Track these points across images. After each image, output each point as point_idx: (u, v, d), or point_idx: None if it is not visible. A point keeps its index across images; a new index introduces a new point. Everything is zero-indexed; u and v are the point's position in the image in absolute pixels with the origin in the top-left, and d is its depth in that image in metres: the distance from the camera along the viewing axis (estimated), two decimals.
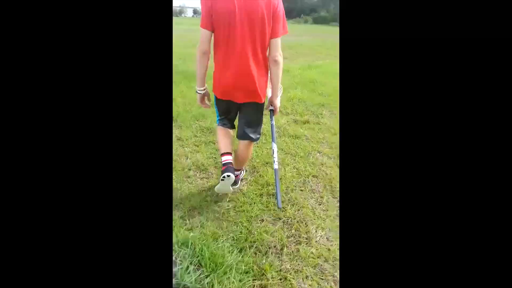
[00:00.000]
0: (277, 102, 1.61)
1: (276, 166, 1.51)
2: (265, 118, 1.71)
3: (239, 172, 1.79)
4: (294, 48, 8.64)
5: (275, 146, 1.57)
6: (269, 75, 1.52)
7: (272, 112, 1.64)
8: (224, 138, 1.61)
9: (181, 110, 2.95)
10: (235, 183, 1.73)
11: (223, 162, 1.52)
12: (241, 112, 1.60)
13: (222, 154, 1.55)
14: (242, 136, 1.61)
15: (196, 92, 1.53)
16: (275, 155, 1.54)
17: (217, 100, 1.56)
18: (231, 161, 1.53)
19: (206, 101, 1.59)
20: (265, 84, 1.51)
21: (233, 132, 1.68)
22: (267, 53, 1.44)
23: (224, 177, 1.44)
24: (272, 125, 1.65)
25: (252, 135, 1.60)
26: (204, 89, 1.53)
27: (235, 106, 1.56)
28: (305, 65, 5.84)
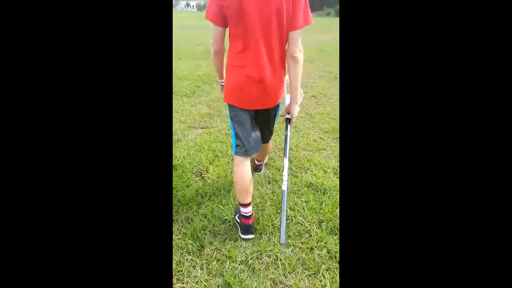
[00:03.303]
0: (295, 111, 1.38)
1: (284, 186, 1.30)
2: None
3: (261, 161, 1.94)
4: (324, 53, 7.69)
5: (286, 162, 1.37)
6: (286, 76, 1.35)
7: (289, 121, 1.42)
8: (243, 179, 1.38)
9: None
10: (259, 170, 1.97)
11: (242, 213, 1.41)
12: (257, 121, 1.44)
13: (242, 205, 1.41)
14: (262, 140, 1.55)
15: (218, 83, 1.50)
16: (285, 172, 1.34)
17: (230, 108, 1.36)
18: (252, 213, 1.43)
19: None
20: (280, 86, 1.34)
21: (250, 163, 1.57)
22: (286, 48, 1.26)
23: (244, 239, 1.42)
24: (286, 136, 1.42)
25: (270, 137, 1.59)
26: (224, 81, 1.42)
27: (249, 116, 1.37)
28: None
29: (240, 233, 1.45)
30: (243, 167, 1.38)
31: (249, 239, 1.41)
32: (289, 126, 1.42)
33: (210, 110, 3.23)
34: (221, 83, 1.48)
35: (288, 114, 1.39)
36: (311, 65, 5.76)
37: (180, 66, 5.35)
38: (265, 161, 2.07)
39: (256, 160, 1.95)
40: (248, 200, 1.40)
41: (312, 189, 1.87)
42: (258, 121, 1.44)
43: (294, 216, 1.62)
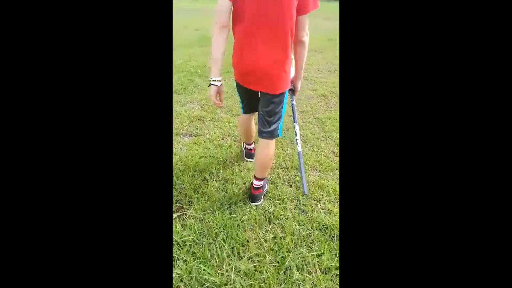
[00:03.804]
0: (298, 84, 1.49)
1: (299, 148, 1.46)
2: None
3: (261, 184, 1.56)
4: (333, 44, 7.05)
5: (297, 127, 1.51)
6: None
7: (292, 91, 1.53)
8: (249, 131, 1.69)
9: None
10: (258, 199, 1.58)
11: (246, 147, 1.92)
12: (260, 102, 1.42)
13: (247, 143, 1.86)
14: (260, 131, 1.44)
15: (210, 83, 1.25)
16: (298, 136, 1.49)
17: (237, 84, 1.43)
18: (255, 146, 1.81)
19: (218, 98, 1.31)
20: (288, 71, 1.30)
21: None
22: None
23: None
24: (293, 105, 1.57)
25: (269, 130, 1.40)
26: (220, 81, 1.25)
27: (255, 94, 1.44)
28: None
29: (244, 157, 1.97)
30: (249, 122, 1.66)
31: (251, 161, 1.91)
32: (293, 96, 1.57)
33: (203, 111, 2.75)
34: (213, 83, 1.24)
35: (291, 85, 1.49)
36: (320, 56, 5.21)
37: (173, 56, 4.81)
38: (266, 187, 1.66)
39: (255, 178, 1.53)
40: (252, 140, 1.85)
41: (326, 234, 1.42)
42: (261, 100, 1.43)
43: (302, 282, 1.18)
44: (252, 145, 1.91)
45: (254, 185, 1.53)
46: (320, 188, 1.75)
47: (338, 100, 3.17)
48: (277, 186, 1.75)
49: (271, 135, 1.40)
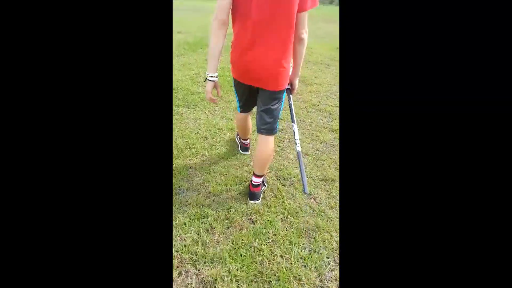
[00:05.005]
0: (296, 83, 1.49)
1: (298, 148, 1.49)
2: None
3: (260, 181, 1.55)
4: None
5: (295, 127, 1.54)
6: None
7: (289, 91, 1.53)
8: (245, 125, 1.70)
9: None
10: (257, 197, 1.59)
11: (242, 141, 1.92)
12: (259, 98, 1.45)
13: (243, 139, 1.87)
14: (258, 127, 1.47)
15: (206, 78, 1.28)
16: (297, 136, 1.52)
17: (235, 81, 1.47)
18: (249, 141, 1.92)
19: (215, 95, 1.34)
20: (287, 68, 1.33)
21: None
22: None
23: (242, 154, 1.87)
24: (290, 104, 1.59)
25: (268, 127, 1.44)
26: (216, 77, 1.28)
27: (253, 91, 1.45)
28: None
29: (240, 150, 1.97)
30: (246, 120, 1.70)
31: (246, 154, 1.93)
32: (291, 96, 1.58)
33: None
34: (210, 78, 1.26)
35: (289, 85, 1.47)
36: (330, 72, 4.23)
37: None
38: (264, 187, 1.63)
39: (254, 175, 1.52)
40: (248, 136, 1.86)
41: None
42: (259, 97, 1.45)
43: None
44: (248, 140, 1.92)
45: (253, 182, 1.53)
46: None
47: None
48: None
49: (270, 131, 1.44)
